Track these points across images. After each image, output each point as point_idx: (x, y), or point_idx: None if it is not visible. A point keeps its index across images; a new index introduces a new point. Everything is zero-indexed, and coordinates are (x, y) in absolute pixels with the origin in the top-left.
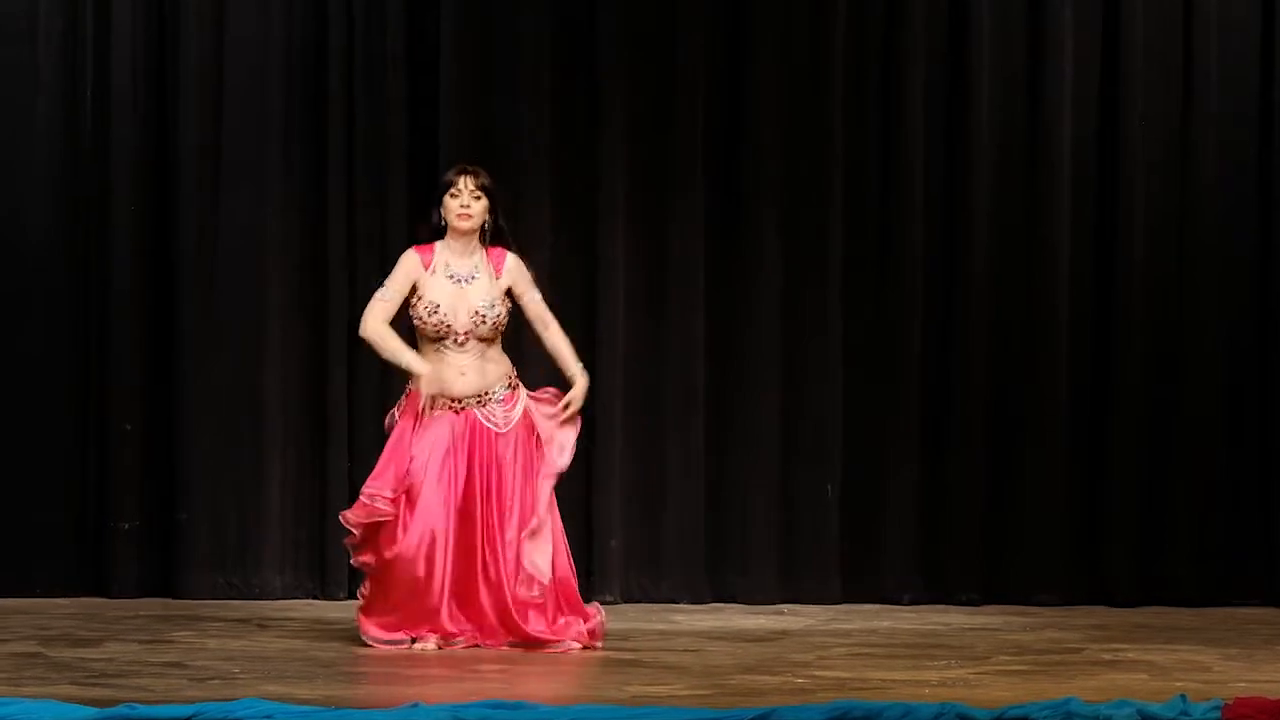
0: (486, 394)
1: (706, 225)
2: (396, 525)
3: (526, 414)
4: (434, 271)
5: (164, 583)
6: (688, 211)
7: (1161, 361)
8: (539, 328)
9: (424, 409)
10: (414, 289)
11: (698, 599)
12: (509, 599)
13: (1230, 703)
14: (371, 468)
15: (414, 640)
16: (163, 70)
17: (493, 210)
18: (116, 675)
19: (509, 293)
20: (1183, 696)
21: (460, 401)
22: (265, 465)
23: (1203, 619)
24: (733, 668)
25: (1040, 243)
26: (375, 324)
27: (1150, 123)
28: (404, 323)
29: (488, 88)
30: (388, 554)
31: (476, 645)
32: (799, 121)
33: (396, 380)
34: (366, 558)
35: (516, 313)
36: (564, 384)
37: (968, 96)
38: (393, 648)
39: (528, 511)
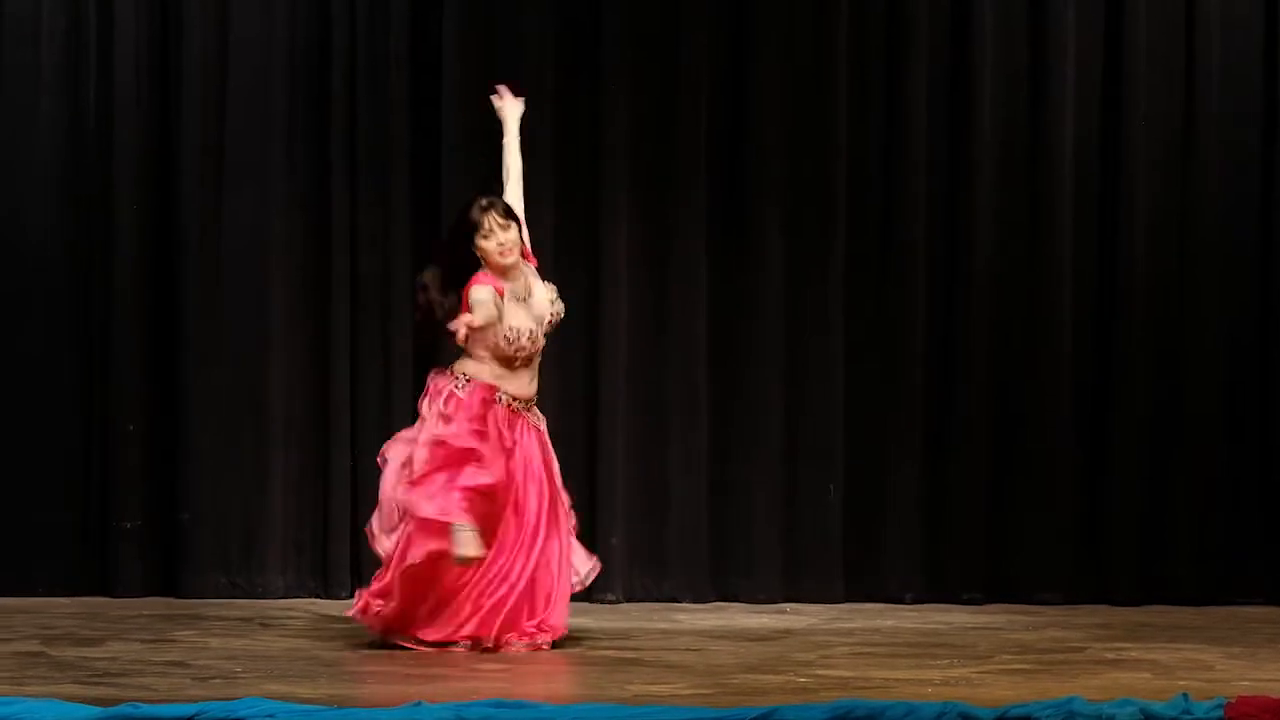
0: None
1: (709, 224)
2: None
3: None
4: (506, 299)
5: (167, 582)
6: (690, 210)
7: (1163, 360)
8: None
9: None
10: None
11: (700, 598)
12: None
13: (1233, 701)
14: (372, 468)
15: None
16: (165, 70)
17: (519, 225)
18: (119, 674)
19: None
20: (1185, 695)
21: (525, 405)
22: (268, 465)
23: (1205, 618)
24: (735, 667)
25: (1042, 241)
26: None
27: (1152, 122)
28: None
29: (491, 88)
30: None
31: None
32: (802, 121)
33: (397, 380)
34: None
35: None
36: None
37: (970, 95)
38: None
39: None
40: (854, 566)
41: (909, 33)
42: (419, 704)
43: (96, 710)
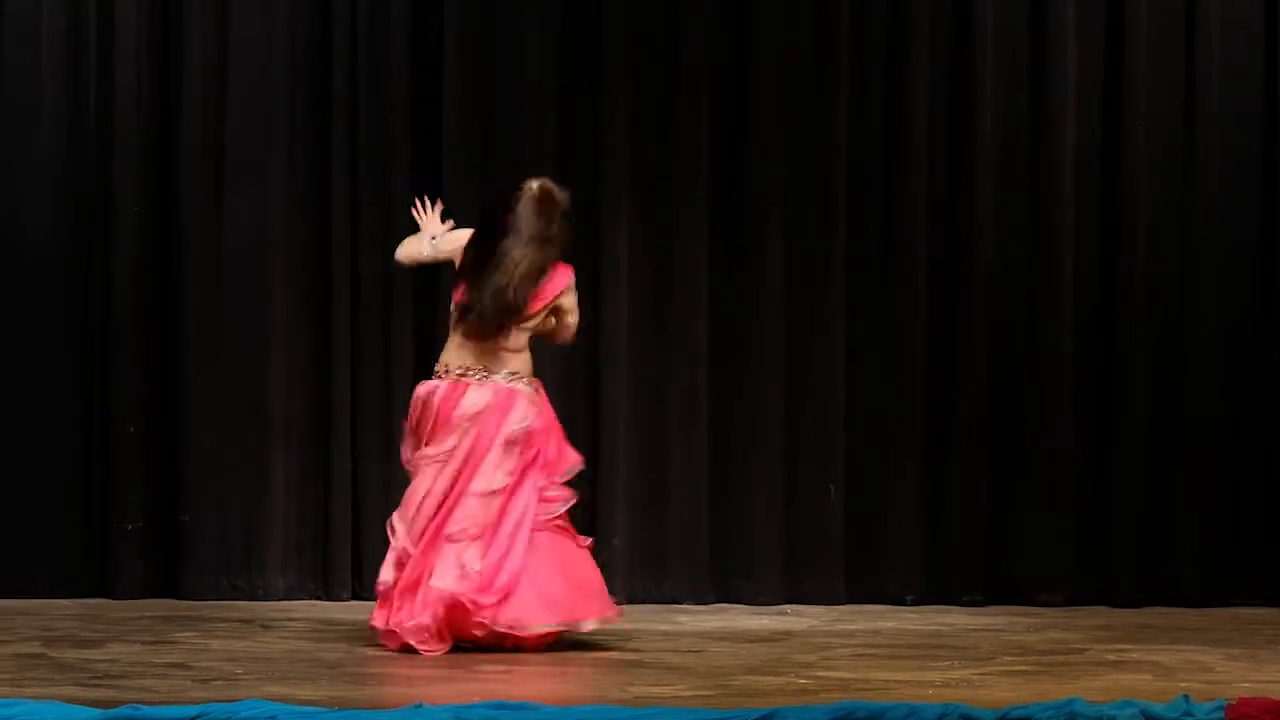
0: None
1: (710, 225)
2: None
3: None
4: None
5: (167, 584)
6: (691, 211)
7: (1163, 360)
8: None
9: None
10: (559, 307)
11: (701, 599)
12: None
13: (1234, 703)
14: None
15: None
16: (166, 70)
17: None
18: (120, 676)
19: None
20: (1186, 697)
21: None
22: (269, 466)
23: (1206, 619)
24: (736, 668)
25: (1043, 242)
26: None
27: (1152, 122)
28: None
29: (491, 89)
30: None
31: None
32: (802, 121)
33: (398, 381)
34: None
35: None
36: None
37: (971, 96)
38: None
39: None
40: (854, 567)
41: (909, 33)
42: (420, 706)
43: (97, 712)
